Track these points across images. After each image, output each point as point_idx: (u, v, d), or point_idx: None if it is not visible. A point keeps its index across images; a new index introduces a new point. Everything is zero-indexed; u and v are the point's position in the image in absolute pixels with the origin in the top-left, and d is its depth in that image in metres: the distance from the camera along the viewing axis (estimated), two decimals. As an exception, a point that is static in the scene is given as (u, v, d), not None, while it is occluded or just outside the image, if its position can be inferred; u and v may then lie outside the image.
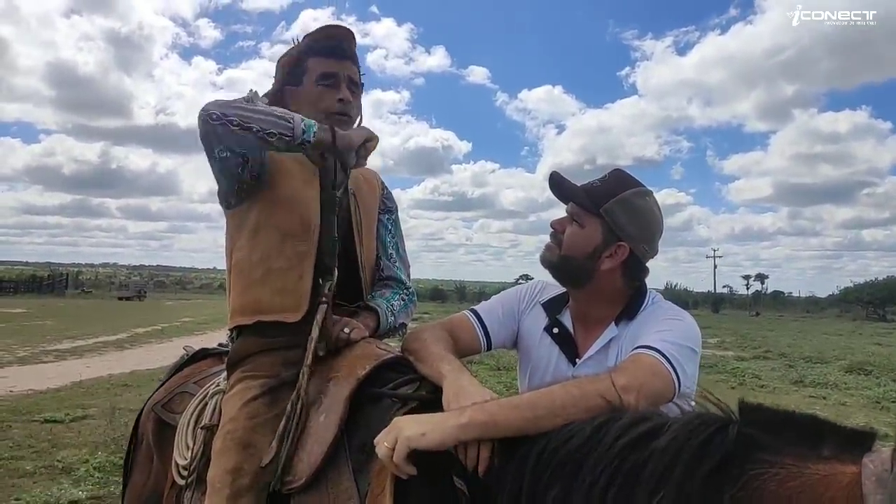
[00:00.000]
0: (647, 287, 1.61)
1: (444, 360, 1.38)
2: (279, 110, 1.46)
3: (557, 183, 1.61)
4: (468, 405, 1.18)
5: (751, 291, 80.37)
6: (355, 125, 1.71)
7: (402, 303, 1.78)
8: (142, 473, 1.73)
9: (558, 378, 1.53)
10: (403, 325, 1.78)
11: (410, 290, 1.86)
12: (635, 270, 1.56)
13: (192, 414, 1.61)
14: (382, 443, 1.13)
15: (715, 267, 72.21)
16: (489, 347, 1.66)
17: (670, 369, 1.28)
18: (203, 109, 1.44)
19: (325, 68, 1.66)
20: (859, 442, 0.85)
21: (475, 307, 1.72)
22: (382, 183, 1.93)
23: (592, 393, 1.14)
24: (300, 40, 1.72)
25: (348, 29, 1.72)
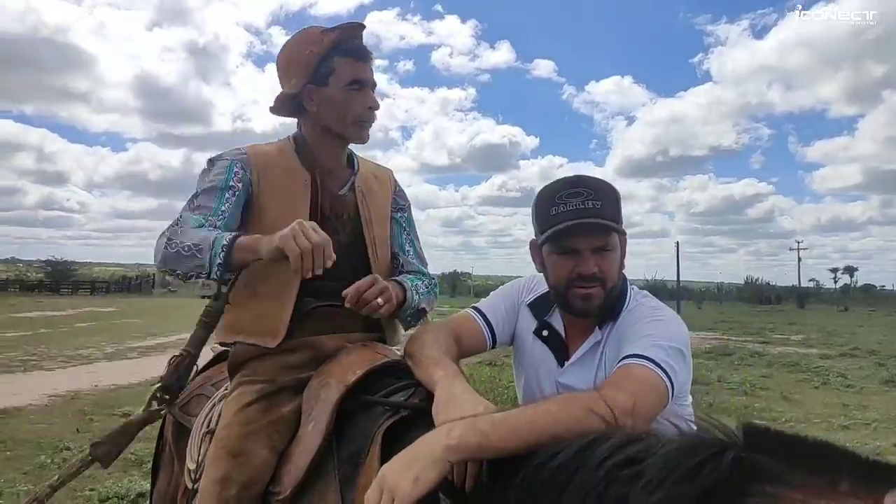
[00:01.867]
0: (627, 282, 1.52)
1: (438, 365, 1.31)
2: (194, 241, 1.47)
3: (587, 213, 1.38)
4: (457, 421, 1.09)
5: (839, 285, 76.20)
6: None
7: (426, 288, 1.76)
8: (166, 475, 1.75)
9: (547, 381, 1.51)
10: (424, 311, 1.74)
11: (433, 280, 1.84)
12: None
13: (204, 417, 1.61)
14: (372, 502, 1.01)
15: (799, 260, 68.83)
16: (494, 345, 1.61)
17: (665, 379, 1.22)
18: (156, 260, 1.53)
19: (354, 73, 1.63)
20: (882, 476, 0.72)
21: (478, 304, 1.67)
22: (395, 182, 1.90)
23: (591, 415, 1.05)
24: (317, 35, 1.64)
25: (365, 25, 1.68)
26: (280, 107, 1.72)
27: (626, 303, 1.48)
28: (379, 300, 1.47)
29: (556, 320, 1.55)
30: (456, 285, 70.58)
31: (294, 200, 1.63)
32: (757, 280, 71.86)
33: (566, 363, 1.50)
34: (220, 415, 1.54)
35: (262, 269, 1.58)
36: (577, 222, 1.37)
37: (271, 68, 1.78)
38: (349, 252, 1.69)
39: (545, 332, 1.55)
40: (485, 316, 1.61)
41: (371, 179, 1.80)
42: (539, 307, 1.58)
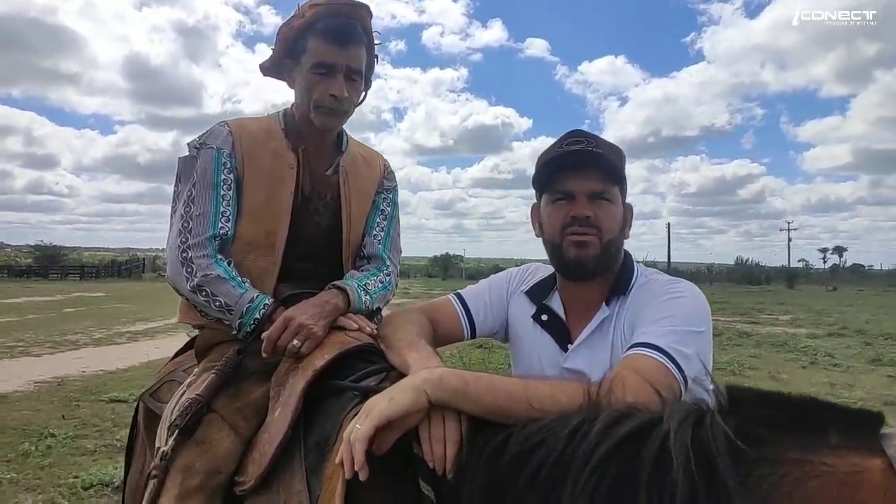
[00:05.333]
0: (632, 257, 1.46)
1: (412, 347, 1.25)
2: (226, 301, 1.46)
3: (584, 155, 1.33)
4: (440, 366, 1.09)
5: (828, 265, 76.95)
6: (353, 109, 1.65)
7: (381, 285, 1.65)
8: (138, 463, 1.71)
9: (551, 369, 1.41)
10: (378, 311, 1.65)
11: (390, 270, 1.72)
12: None
13: (174, 405, 1.54)
14: (355, 426, 1.00)
15: (789, 240, 69.38)
16: (473, 335, 1.54)
17: (674, 371, 1.13)
18: (172, 281, 1.52)
19: (322, 56, 1.53)
20: (866, 424, 0.71)
21: (461, 291, 1.58)
22: (385, 164, 1.84)
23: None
24: (305, 8, 1.56)
25: (361, 5, 1.57)
26: (269, 70, 1.67)
27: (635, 277, 1.40)
28: (295, 342, 1.35)
29: (556, 303, 1.47)
30: (448, 268, 70.68)
31: (278, 185, 1.59)
32: (747, 261, 72.49)
33: (570, 347, 1.41)
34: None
35: (239, 254, 1.55)
36: (572, 153, 1.33)
37: (262, 49, 1.74)
38: (330, 234, 1.65)
39: (544, 317, 1.46)
40: (465, 304, 1.54)
41: (359, 161, 1.75)
42: (537, 292, 1.50)
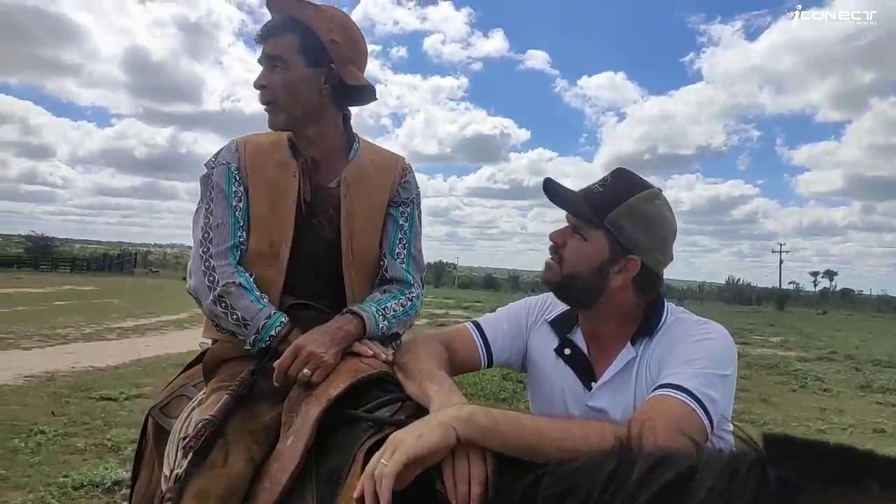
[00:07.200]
0: (664, 298, 1.45)
1: (433, 379, 1.24)
2: (244, 315, 1.47)
3: (552, 191, 1.44)
4: (467, 403, 1.08)
5: (818, 289, 77.42)
6: (293, 99, 1.55)
7: (402, 309, 1.60)
8: (146, 475, 1.68)
9: (575, 406, 1.41)
10: (397, 335, 1.62)
11: (414, 294, 1.65)
12: (650, 283, 1.40)
13: (183, 422, 1.53)
14: (379, 460, 0.98)
15: (781, 262, 69.65)
16: (490, 364, 1.53)
17: (701, 415, 1.13)
18: (195, 291, 1.53)
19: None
20: None
21: (478, 319, 1.58)
22: (404, 170, 1.72)
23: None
24: None
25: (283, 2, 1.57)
26: None
27: (664, 320, 1.40)
28: (305, 371, 1.33)
29: (579, 338, 1.46)
30: (441, 276, 70.76)
31: (281, 194, 1.58)
32: (738, 281, 72.78)
33: (594, 385, 1.40)
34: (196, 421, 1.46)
35: (246, 265, 1.55)
36: (553, 183, 1.44)
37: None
38: (333, 249, 1.61)
39: (567, 351, 1.46)
40: (483, 332, 1.53)
41: (368, 169, 1.66)
42: (561, 323, 1.50)
